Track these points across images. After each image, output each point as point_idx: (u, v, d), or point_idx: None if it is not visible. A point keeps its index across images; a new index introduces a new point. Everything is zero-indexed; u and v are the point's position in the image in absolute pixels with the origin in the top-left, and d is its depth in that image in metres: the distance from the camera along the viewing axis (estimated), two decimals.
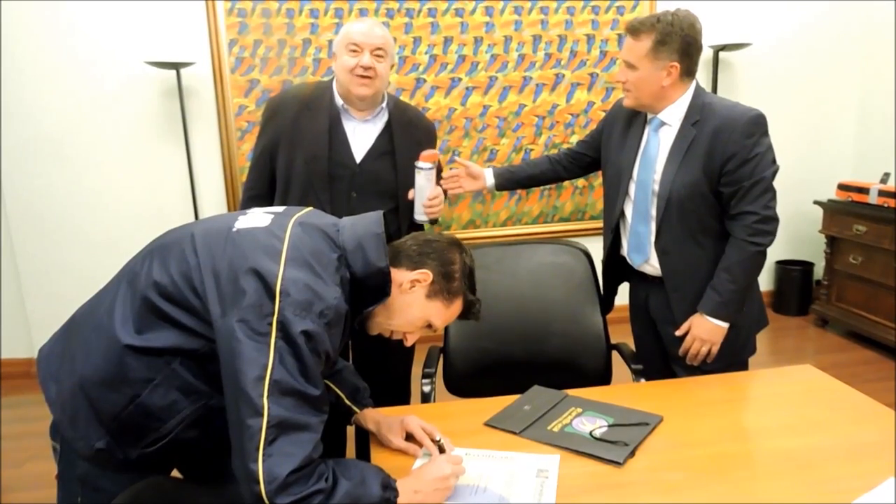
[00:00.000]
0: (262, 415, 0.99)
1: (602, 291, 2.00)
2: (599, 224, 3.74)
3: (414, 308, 1.23)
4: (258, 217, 1.20)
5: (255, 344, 1.02)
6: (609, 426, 1.36)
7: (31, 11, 2.95)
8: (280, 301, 1.03)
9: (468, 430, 1.38)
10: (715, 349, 1.72)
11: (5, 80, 3.08)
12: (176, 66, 3.07)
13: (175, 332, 1.12)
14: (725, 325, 1.70)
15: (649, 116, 1.78)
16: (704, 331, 1.71)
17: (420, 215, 1.93)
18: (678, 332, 1.76)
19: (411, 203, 1.93)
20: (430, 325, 1.26)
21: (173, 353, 1.12)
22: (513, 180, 2.13)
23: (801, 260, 3.99)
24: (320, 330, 1.05)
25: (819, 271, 3.86)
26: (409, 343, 1.30)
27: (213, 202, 3.43)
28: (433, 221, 2.00)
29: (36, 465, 2.54)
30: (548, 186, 3.69)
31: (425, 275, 1.21)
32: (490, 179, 2.10)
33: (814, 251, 3.93)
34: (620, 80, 1.74)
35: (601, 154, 1.96)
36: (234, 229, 1.15)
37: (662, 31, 1.63)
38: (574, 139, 3.65)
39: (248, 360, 1.01)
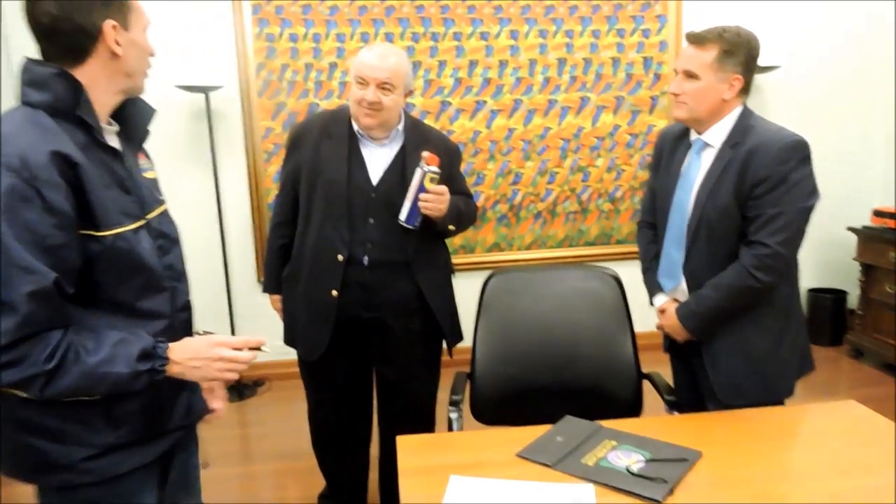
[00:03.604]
0: None
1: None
2: (626, 248, 3.78)
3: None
4: None
5: None
6: (646, 461, 1.31)
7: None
8: None
9: (500, 462, 1.34)
10: (680, 339, 1.75)
11: None
12: (205, 90, 3.11)
13: None
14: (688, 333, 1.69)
15: (693, 137, 1.73)
16: (668, 324, 1.75)
17: (402, 214, 1.83)
18: (656, 311, 1.81)
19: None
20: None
21: None
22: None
23: (833, 288, 3.89)
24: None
25: (853, 300, 3.75)
26: None
27: (239, 223, 3.45)
28: (434, 229, 1.90)
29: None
30: (573, 209, 3.65)
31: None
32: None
33: (847, 279, 3.83)
34: (674, 92, 1.67)
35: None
36: None
37: (730, 41, 1.58)
38: (599, 162, 3.62)
39: None
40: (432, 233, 1.93)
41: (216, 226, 3.34)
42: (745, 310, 1.65)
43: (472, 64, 3.46)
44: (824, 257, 3.85)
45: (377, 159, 1.91)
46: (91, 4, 1.07)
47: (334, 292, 1.88)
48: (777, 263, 1.57)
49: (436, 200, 1.81)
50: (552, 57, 3.50)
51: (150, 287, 1.18)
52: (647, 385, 1.90)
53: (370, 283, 1.89)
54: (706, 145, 1.68)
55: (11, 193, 0.98)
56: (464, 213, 2.00)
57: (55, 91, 1.07)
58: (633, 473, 1.26)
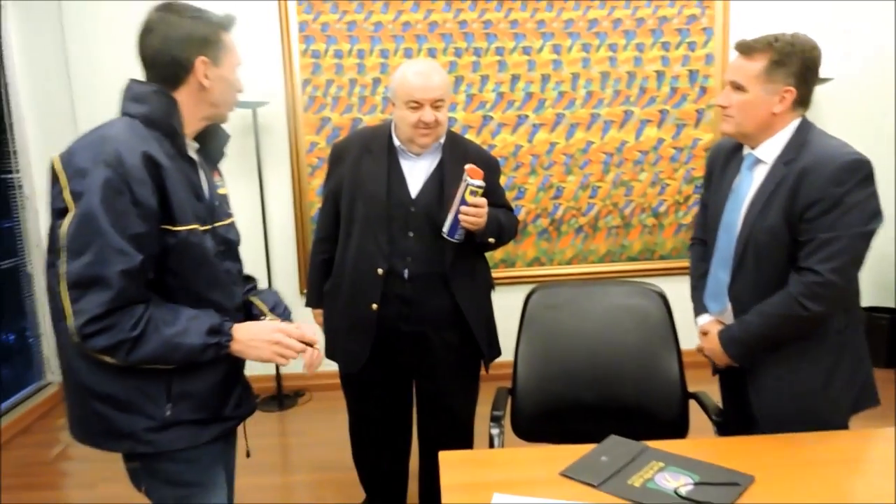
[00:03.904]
0: None
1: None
2: (669, 264, 3.71)
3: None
4: None
5: None
6: (695, 484, 1.27)
7: (118, 54, 3.13)
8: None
9: (543, 480, 1.32)
10: (719, 361, 1.68)
11: (86, 122, 3.26)
12: (252, 106, 3.19)
13: None
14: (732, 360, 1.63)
15: (745, 152, 1.64)
16: (710, 347, 1.68)
17: (445, 227, 1.82)
18: (699, 332, 1.75)
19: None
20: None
21: None
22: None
23: (889, 307, 3.74)
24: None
25: None
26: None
27: (284, 236, 3.52)
28: (475, 241, 1.89)
29: (108, 488, 2.60)
30: (615, 224, 3.61)
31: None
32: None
33: None
34: (722, 105, 1.58)
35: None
36: None
37: (781, 50, 1.48)
38: (643, 177, 3.57)
39: None
40: (472, 246, 1.93)
41: (261, 239, 3.41)
42: (793, 340, 1.55)
43: (515, 78, 3.46)
44: (879, 275, 3.70)
45: (417, 173, 1.93)
46: (188, 42, 1.26)
47: (374, 306, 1.89)
48: (828, 292, 1.47)
49: (475, 214, 1.79)
50: (595, 71, 3.48)
51: (213, 282, 1.33)
52: (693, 405, 1.85)
53: (410, 297, 1.90)
54: (758, 161, 1.59)
55: (107, 186, 1.15)
56: (504, 225, 1.99)
57: (152, 105, 1.26)
58: (681, 496, 1.23)
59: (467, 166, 1.79)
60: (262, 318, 1.47)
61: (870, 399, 1.61)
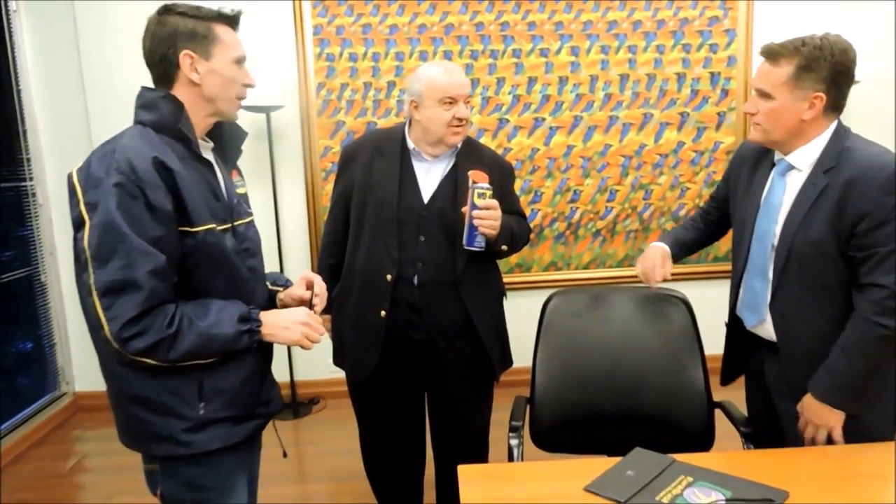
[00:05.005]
0: None
1: (722, 359, 1.80)
2: (689, 269, 3.64)
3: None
4: None
5: None
6: (727, 500, 1.21)
7: (134, 59, 3.13)
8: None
9: (567, 495, 1.27)
10: (837, 433, 1.48)
11: (100, 129, 3.26)
12: (266, 110, 3.17)
13: None
14: (841, 413, 1.47)
15: (776, 157, 1.57)
16: (815, 415, 1.48)
17: (464, 239, 1.77)
18: (798, 407, 1.53)
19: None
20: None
21: None
22: (686, 247, 1.89)
23: None
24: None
25: None
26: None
27: (297, 240, 3.49)
28: (489, 250, 1.83)
29: (122, 499, 2.58)
30: (633, 228, 3.54)
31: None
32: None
33: None
34: (749, 112, 1.53)
35: (729, 204, 1.75)
36: None
37: (808, 55, 1.42)
38: (662, 180, 3.51)
39: None
40: (485, 253, 1.86)
41: (274, 243, 3.39)
42: (886, 363, 1.47)
43: (532, 81, 3.41)
44: None
45: (430, 176, 1.89)
46: (173, 38, 1.26)
47: (383, 312, 1.84)
48: None
49: (489, 216, 1.74)
50: (614, 73, 3.42)
51: (234, 281, 1.34)
52: (717, 413, 1.79)
53: (420, 304, 1.85)
54: (791, 167, 1.53)
55: (122, 192, 1.17)
56: (516, 233, 1.93)
57: (161, 111, 1.27)
58: None
59: (470, 172, 1.77)
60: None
61: None
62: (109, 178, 1.17)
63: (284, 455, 1.62)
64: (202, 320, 1.24)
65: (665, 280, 1.74)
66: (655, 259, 1.78)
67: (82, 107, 3.33)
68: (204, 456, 1.31)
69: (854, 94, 3.41)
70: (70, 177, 1.22)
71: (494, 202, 1.76)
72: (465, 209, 1.75)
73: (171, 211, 1.21)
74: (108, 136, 1.29)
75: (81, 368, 3.52)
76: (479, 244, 1.78)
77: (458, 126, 1.81)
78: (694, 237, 1.91)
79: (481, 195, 1.73)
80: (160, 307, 1.20)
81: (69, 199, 1.22)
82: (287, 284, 1.56)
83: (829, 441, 1.50)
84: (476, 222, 1.74)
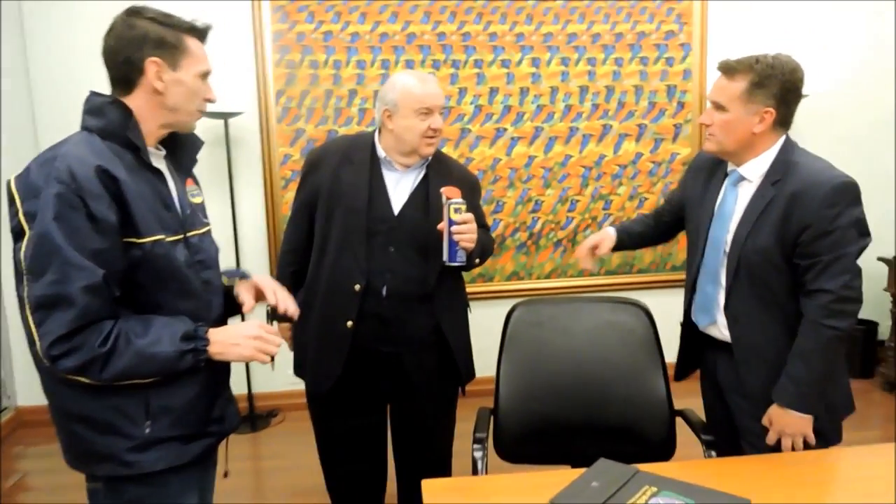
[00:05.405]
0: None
1: (677, 356, 1.86)
2: (648, 278, 3.70)
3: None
4: None
5: None
6: None
7: (85, 61, 3.02)
8: None
9: None
10: (810, 436, 1.53)
11: (54, 132, 3.14)
12: (224, 116, 3.10)
13: None
14: (809, 416, 1.52)
15: (729, 168, 1.66)
16: (787, 424, 1.53)
17: (444, 255, 1.77)
18: (764, 422, 1.58)
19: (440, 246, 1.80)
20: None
21: None
22: (632, 237, 1.99)
23: (864, 319, 3.77)
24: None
25: (885, 331, 3.63)
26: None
27: (255, 249, 3.41)
28: (465, 264, 1.82)
29: None
30: None
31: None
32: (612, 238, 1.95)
33: (878, 310, 3.71)
34: (705, 123, 1.62)
35: (685, 210, 1.83)
36: None
37: (761, 72, 1.51)
38: (621, 190, 3.56)
39: None
40: (456, 267, 1.85)
41: (232, 252, 3.31)
42: (840, 361, 1.58)
43: (493, 91, 3.43)
44: None
45: (400, 187, 1.87)
46: (141, 42, 1.22)
47: (350, 323, 1.81)
48: (846, 306, 1.50)
49: (467, 230, 1.75)
50: (574, 84, 3.47)
51: (186, 293, 1.29)
52: (681, 424, 1.81)
53: (388, 316, 1.82)
54: (743, 178, 1.62)
55: (61, 202, 1.11)
56: (487, 246, 1.95)
57: (108, 117, 1.23)
58: None
59: (443, 189, 1.76)
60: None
61: (850, 405, 1.65)
62: (49, 188, 1.12)
63: (226, 475, 1.54)
64: (141, 338, 1.18)
65: (601, 257, 1.88)
66: (589, 242, 1.93)
67: (28, 111, 3.20)
68: (150, 476, 1.25)
69: (806, 107, 3.54)
70: (8, 184, 1.17)
71: (470, 216, 1.76)
72: (442, 226, 1.74)
73: (114, 222, 1.16)
74: (57, 141, 1.23)
75: (24, 382, 3.36)
76: (461, 259, 1.77)
77: (432, 137, 1.80)
78: (641, 231, 1.99)
79: (457, 210, 1.73)
80: (95, 324, 1.15)
81: (8, 207, 1.16)
82: (244, 276, 1.51)
83: (806, 445, 1.55)
84: (456, 237, 1.74)
